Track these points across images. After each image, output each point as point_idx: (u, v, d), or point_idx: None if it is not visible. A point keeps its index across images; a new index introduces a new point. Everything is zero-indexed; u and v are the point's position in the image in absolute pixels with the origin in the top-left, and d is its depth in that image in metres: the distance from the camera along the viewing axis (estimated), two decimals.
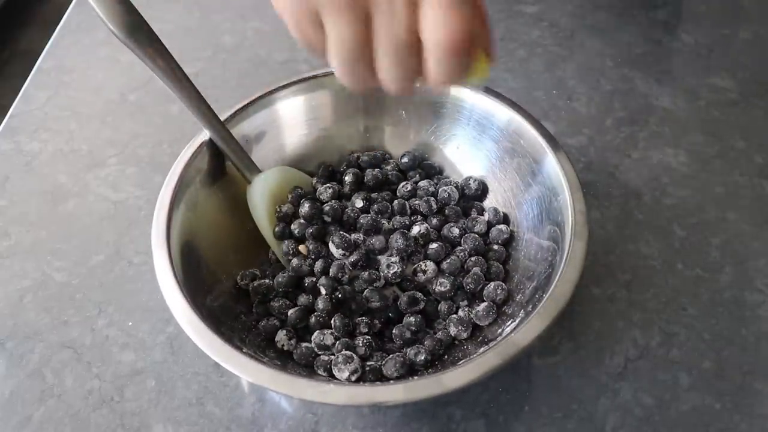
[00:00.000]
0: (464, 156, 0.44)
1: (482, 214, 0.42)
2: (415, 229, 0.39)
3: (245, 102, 0.41)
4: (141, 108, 0.54)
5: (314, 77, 0.43)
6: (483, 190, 0.43)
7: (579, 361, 0.39)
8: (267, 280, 0.39)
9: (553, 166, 0.37)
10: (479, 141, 0.42)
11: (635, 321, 0.40)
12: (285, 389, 0.29)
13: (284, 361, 0.35)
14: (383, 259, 0.38)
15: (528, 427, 0.36)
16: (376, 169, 0.43)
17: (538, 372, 0.38)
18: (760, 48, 0.58)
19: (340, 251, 0.38)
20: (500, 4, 0.63)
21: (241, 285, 0.39)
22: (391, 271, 0.37)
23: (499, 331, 0.35)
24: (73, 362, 0.39)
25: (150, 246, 0.34)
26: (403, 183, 0.43)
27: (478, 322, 0.37)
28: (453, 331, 0.37)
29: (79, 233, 0.45)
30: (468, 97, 0.41)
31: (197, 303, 0.32)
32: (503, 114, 0.40)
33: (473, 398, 0.37)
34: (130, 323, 0.41)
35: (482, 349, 0.32)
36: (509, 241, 0.40)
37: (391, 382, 0.33)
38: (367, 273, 0.38)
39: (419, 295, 0.38)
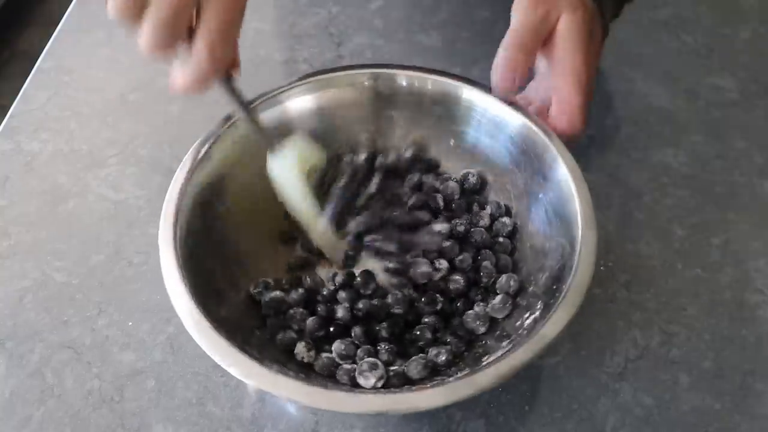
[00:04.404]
0: (464, 152, 0.44)
1: (484, 208, 0.42)
2: (438, 227, 0.39)
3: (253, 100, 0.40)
4: (141, 108, 0.54)
5: (320, 77, 0.42)
6: (482, 184, 0.42)
7: (579, 361, 0.39)
8: (278, 293, 0.38)
9: (559, 165, 0.37)
10: (479, 139, 0.42)
11: (635, 321, 0.40)
12: (324, 404, 0.29)
13: (306, 372, 0.35)
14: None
15: (528, 427, 0.36)
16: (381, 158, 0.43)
17: (538, 372, 0.38)
18: (760, 48, 0.58)
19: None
20: (500, 4, 0.63)
21: (254, 294, 0.38)
22: (419, 270, 0.37)
23: (518, 323, 0.35)
24: (73, 362, 0.39)
25: (150, 246, 0.33)
26: (410, 176, 0.42)
27: (495, 315, 0.37)
28: (471, 326, 0.36)
29: (79, 233, 0.45)
30: (479, 101, 0.41)
31: (210, 313, 0.32)
32: (510, 116, 0.40)
33: (473, 398, 0.37)
34: (130, 323, 0.41)
35: (505, 344, 0.32)
36: (513, 233, 0.40)
37: (429, 386, 0.31)
38: (396, 279, 0.38)
39: (437, 295, 0.38)
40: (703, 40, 0.59)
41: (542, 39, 0.40)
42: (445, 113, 0.43)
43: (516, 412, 0.37)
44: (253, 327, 0.37)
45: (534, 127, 0.38)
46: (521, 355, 0.30)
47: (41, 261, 0.44)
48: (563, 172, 0.36)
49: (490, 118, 0.41)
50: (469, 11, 0.63)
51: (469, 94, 0.41)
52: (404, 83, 0.43)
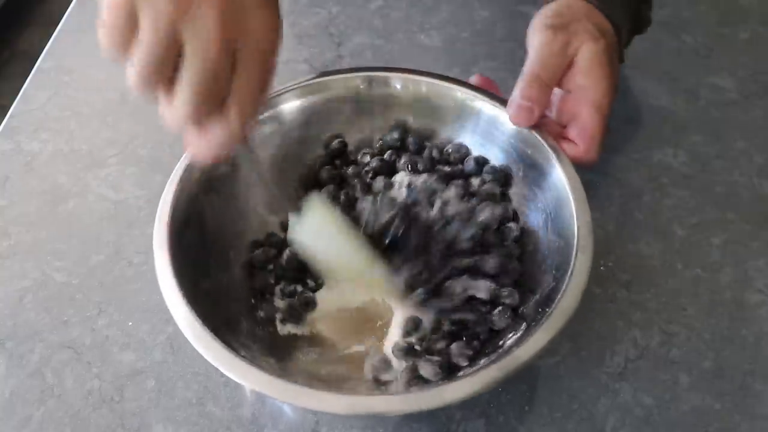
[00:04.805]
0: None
1: None
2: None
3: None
4: (141, 108, 0.54)
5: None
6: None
7: (579, 361, 0.39)
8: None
9: (558, 175, 0.36)
10: (485, 148, 0.42)
11: (635, 321, 0.40)
12: (286, 397, 0.29)
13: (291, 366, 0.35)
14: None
15: (528, 427, 0.36)
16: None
17: (538, 372, 0.38)
18: (760, 48, 0.58)
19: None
20: (500, 4, 0.63)
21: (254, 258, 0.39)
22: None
23: (500, 342, 0.35)
24: (73, 362, 0.39)
25: (150, 246, 0.33)
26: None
27: (493, 327, 0.36)
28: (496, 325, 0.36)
29: (79, 233, 0.45)
30: (475, 104, 0.41)
31: (197, 298, 0.32)
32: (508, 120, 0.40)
33: (473, 398, 0.37)
34: (130, 323, 0.41)
35: (483, 361, 0.32)
36: (521, 239, 0.40)
37: (392, 394, 0.32)
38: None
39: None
40: (703, 40, 0.59)
41: (562, 71, 0.39)
42: (442, 116, 0.43)
43: (516, 412, 0.37)
44: (239, 314, 0.37)
45: (540, 139, 0.38)
46: (492, 373, 0.29)
47: (41, 261, 0.44)
48: (561, 180, 0.36)
49: (491, 123, 0.41)
50: (469, 11, 0.63)
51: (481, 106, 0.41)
52: (399, 86, 0.42)
